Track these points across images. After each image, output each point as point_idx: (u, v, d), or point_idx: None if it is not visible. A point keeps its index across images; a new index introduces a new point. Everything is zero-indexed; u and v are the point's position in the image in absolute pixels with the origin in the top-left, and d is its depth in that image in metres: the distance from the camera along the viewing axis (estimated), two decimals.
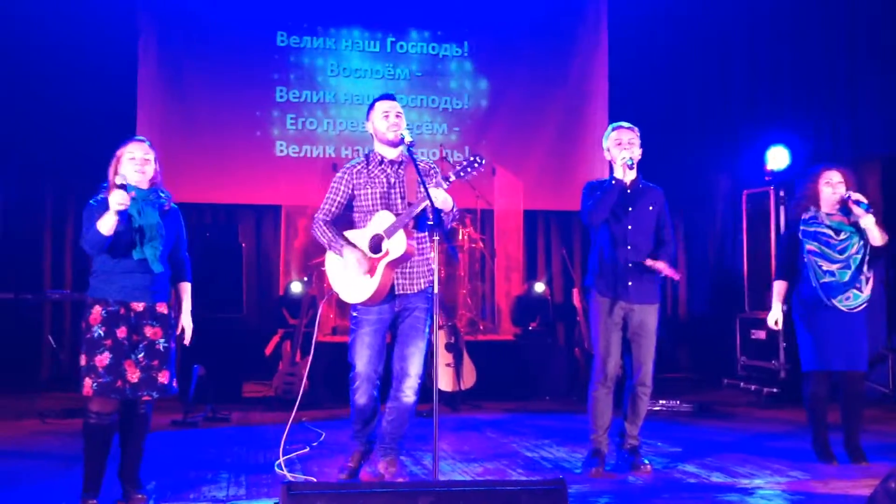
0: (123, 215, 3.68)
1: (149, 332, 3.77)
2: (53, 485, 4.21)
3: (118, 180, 3.69)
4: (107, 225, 3.65)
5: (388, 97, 4.26)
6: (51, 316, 8.04)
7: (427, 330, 4.16)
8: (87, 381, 3.68)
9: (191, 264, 4.06)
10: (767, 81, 8.71)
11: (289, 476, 4.36)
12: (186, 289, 4.04)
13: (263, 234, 8.70)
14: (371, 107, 4.25)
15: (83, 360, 3.70)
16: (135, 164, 3.79)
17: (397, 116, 4.16)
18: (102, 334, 3.70)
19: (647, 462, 4.54)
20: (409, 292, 4.12)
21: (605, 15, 9.15)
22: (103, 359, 3.67)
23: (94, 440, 3.75)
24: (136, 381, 3.71)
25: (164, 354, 3.80)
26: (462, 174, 3.99)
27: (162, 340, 3.80)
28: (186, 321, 4.01)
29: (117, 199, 3.63)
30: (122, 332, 3.71)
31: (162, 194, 3.90)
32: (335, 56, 8.77)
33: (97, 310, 3.73)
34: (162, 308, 3.84)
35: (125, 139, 3.90)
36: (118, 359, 3.69)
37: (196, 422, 6.00)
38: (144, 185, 3.83)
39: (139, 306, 3.77)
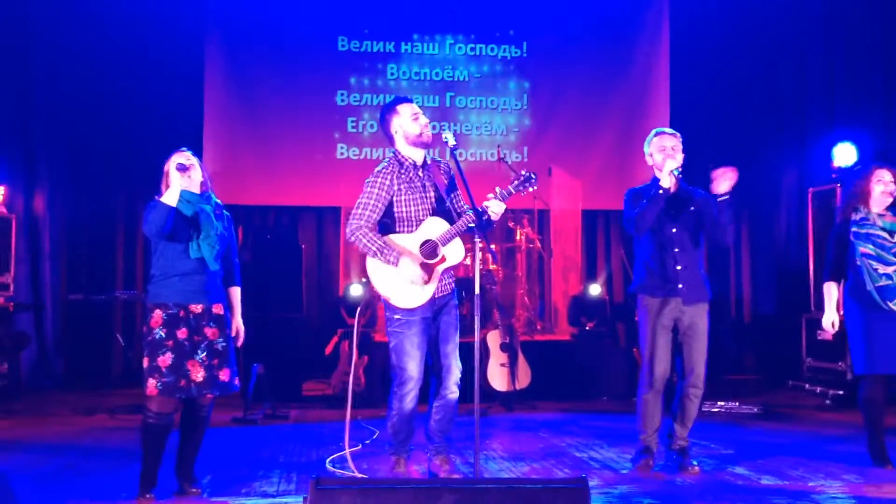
0: (178, 214, 3.85)
1: (209, 332, 3.92)
2: (115, 478, 4.40)
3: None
4: (171, 196, 3.81)
5: (408, 100, 4.27)
6: (121, 316, 8.36)
7: (459, 325, 4.25)
8: (151, 382, 3.84)
9: (240, 269, 4.21)
10: (836, 77, 8.49)
11: (339, 473, 4.47)
12: (237, 293, 4.20)
13: (324, 236, 8.87)
14: (392, 110, 4.21)
15: (146, 362, 3.86)
16: (180, 169, 3.94)
17: (425, 117, 4.24)
18: (164, 335, 3.86)
19: (695, 463, 4.51)
20: (445, 293, 4.19)
21: (667, 11, 9.03)
22: (166, 359, 3.84)
23: (152, 438, 3.92)
24: (200, 380, 3.87)
25: (224, 353, 3.96)
26: (515, 191, 4.11)
27: (220, 340, 3.96)
28: (238, 324, 4.17)
29: (177, 179, 3.80)
30: (182, 334, 3.87)
31: (214, 199, 4.05)
32: (394, 59, 8.88)
33: (158, 313, 3.89)
34: (218, 309, 3.99)
35: (173, 150, 4.06)
36: (181, 359, 3.85)
37: (255, 419, 6.18)
38: (195, 190, 3.98)
39: (197, 308, 3.92)
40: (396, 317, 4.15)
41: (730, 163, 4.50)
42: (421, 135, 4.18)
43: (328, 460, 4.74)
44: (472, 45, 8.98)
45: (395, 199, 4.17)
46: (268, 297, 7.05)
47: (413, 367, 4.13)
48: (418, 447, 4.38)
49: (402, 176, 4.19)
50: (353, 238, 4.15)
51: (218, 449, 4.94)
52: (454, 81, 8.95)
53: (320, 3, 8.76)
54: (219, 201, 4.10)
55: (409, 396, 4.16)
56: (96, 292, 7.38)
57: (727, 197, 4.39)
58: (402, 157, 4.23)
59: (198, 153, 4.07)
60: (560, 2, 9.01)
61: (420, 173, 4.23)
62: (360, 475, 4.41)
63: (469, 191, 3.96)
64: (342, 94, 8.82)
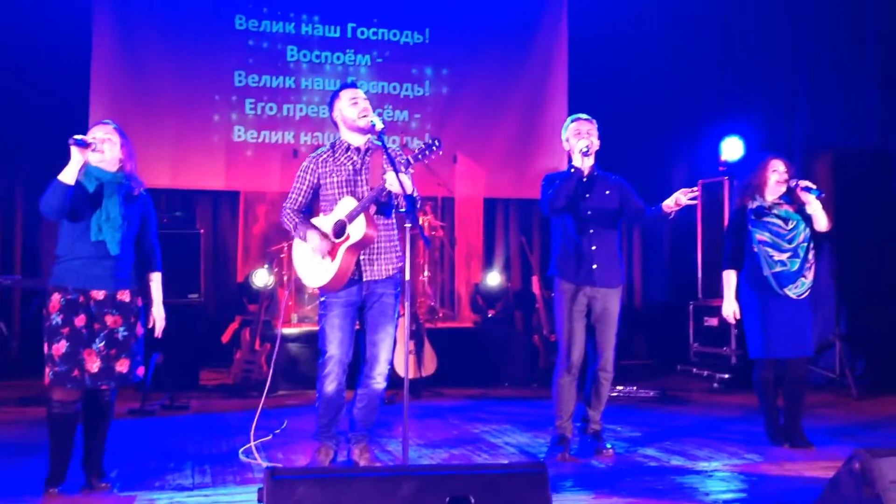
0: (82, 193, 3.62)
1: (109, 320, 3.71)
2: (14, 474, 4.14)
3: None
4: (68, 174, 3.57)
5: (352, 85, 4.29)
6: (0, 302, 7.85)
7: (395, 316, 4.18)
8: (47, 370, 3.63)
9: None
10: (723, 73, 8.85)
11: (255, 463, 4.35)
12: (157, 279, 4.01)
13: (221, 221, 8.58)
14: (335, 96, 4.25)
15: (45, 349, 3.64)
16: (94, 143, 3.72)
17: (365, 101, 4.17)
18: (60, 322, 3.64)
19: (609, 446, 4.63)
20: (376, 278, 4.13)
21: (566, 6, 9.20)
22: (60, 347, 3.62)
23: (58, 429, 3.70)
24: (95, 370, 3.66)
25: (125, 343, 3.75)
26: (420, 157, 3.99)
27: (122, 329, 3.74)
28: (158, 312, 3.98)
29: (76, 155, 3.58)
30: (80, 321, 3.65)
31: (130, 178, 3.85)
32: (295, 41, 8.68)
33: (56, 297, 3.67)
34: (123, 296, 3.78)
35: (83, 129, 3.84)
36: (76, 347, 3.63)
37: (154, 410, 5.94)
38: (109, 168, 3.77)
39: (99, 294, 3.71)
40: (322, 299, 4.17)
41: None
42: (357, 120, 4.13)
43: (241, 451, 4.61)
44: (375, 30, 8.88)
45: (321, 181, 4.20)
46: (165, 283, 6.76)
47: (333, 347, 4.09)
48: (344, 434, 4.29)
49: (331, 160, 4.19)
50: (281, 220, 4.32)
51: (119, 442, 4.70)
52: (355, 65, 8.83)
53: None
54: (136, 181, 3.89)
55: (329, 378, 4.10)
56: None
57: (670, 216, 4.50)
58: (341, 141, 4.24)
59: (83, 132, 3.80)
60: None
61: (355, 157, 4.18)
62: (276, 465, 4.31)
63: (393, 161, 3.90)
64: (240, 75, 8.55)
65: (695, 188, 4.42)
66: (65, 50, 7.91)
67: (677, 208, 4.43)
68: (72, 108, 7.70)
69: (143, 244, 3.93)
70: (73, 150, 3.60)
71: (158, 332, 3.99)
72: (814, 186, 4.73)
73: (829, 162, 7.35)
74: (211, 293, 8.12)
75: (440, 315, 8.01)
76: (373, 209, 4.07)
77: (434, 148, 3.96)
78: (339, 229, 4.08)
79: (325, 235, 4.08)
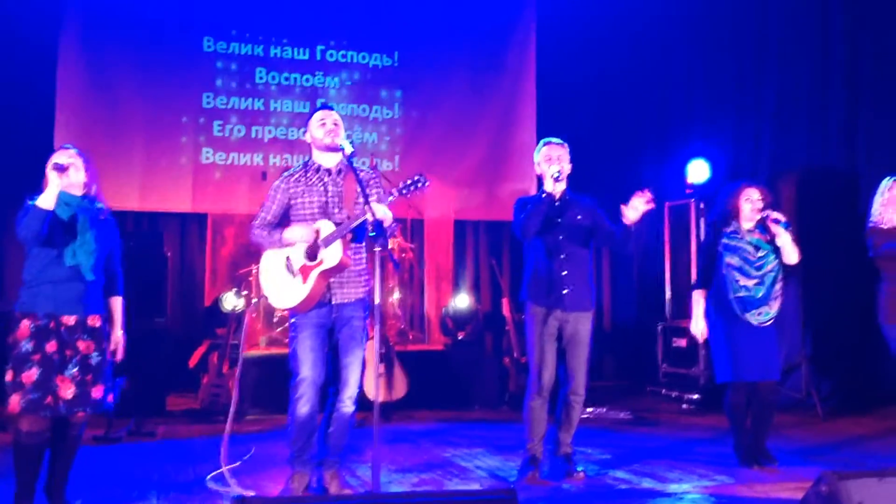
0: (54, 218, 3.58)
1: (81, 346, 3.67)
2: None
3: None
4: (47, 199, 3.54)
5: (325, 107, 4.31)
6: None
7: (365, 339, 4.16)
8: (15, 398, 3.55)
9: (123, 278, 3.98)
10: (688, 97, 8.95)
11: (222, 490, 4.28)
12: (118, 303, 3.97)
13: (188, 243, 8.50)
14: (309, 117, 4.28)
15: (9, 377, 3.57)
16: (58, 169, 3.67)
17: (334, 124, 4.18)
18: (31, 349, 3.58)
19: (580, 469, 4.63)
20: (345, 301, 4.10)
21: (534, 27, 9.29)
22: (31, 374, 3.55)
23: (25, 460, 3.63)
24: (69, 397, 3.61)
25: (98, 369, 3.71)
26: (405, 192, 3.99)
27: (95, 354, 3.71)
28: (119, 336, 3.93)
29: (54, 180, 3.53)
30: (51, 347, 3.60)
31: (97, 204, 3.81)
32: (264, 63, 8.66)
33: (25, 324, 3.61)
34: (94, 321, 3.74)
35: (49, 150, 3.80)
36: (48, 374, 3.58)
37: (119, 437, 5.83)
38: (76, 192, 3.72)
39: (70, 320, 3.66)
40: (292, 321, 4.13)
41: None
42: (323, 138, 4.13)
43: (208, 478, 4.53)
44: (344, 52, 8.90)
45: (292, 201, 4.18)
46: (130, 306, 6.65)
47: (306, 369, 4.04)
48: (314, 459, 4.23)
49: (304, 180, 4.17)
50: (251, 238, 4.25)
51: (84, 470, 4.59)
52: (324, 88, 8.83)
53: (184, 1, 8.42)
54: (102, 205, 3.85)
55: (303, 401, 4.04)
56: None
57: (632, 226, 4.48)
58: (312, 161, 4.24)
59: (48, 156, 3.77)
60: (431, 13, 9.07)
61: (326, 178, 4.17)
62: (245, 493, 4.24)
63: (365, 193, 3.90)
64: (208, 97, 8.51)
65: (647, 190, 4.42)
66: (29, 71, 7.82)
67: (637, 216, 4.42)
68: (36, 131, 7.61)
69: (109, 268, 3.89)
70: (53, 175, 3.58)
71: (119, 356, 3.93)
72: (783, 219, 4.79)
73: (794, 183, 7.46)
74: (178, 316, 8.03)
75: (410, 337, 7.98)
76: (349, 236, 4.06)
77: (420, 185, 3.96)
78: (313, 252, 4.05)
79: (302, 266, 4.03)
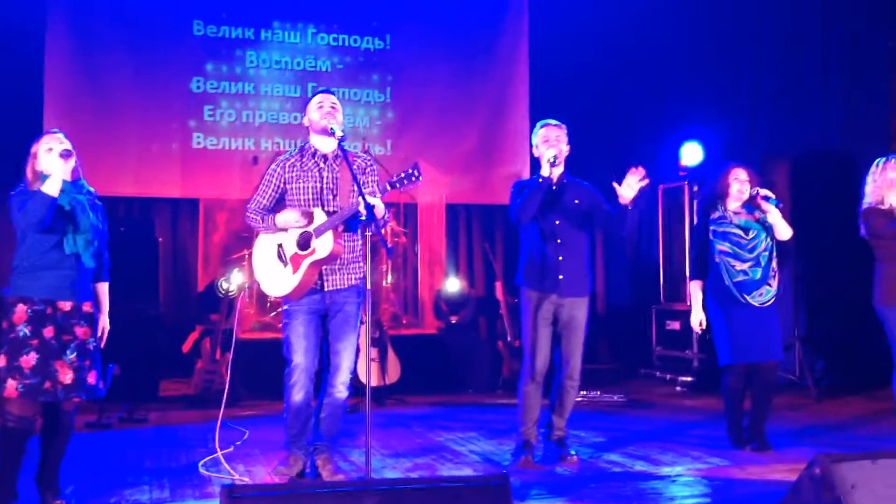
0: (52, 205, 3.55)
1: (79, 331, 3.66)
2: None
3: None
4: (53, 186, 3.53)
5: (325, 91, 4.27)
6: None
7: (358, 325, 4.14)
8: (11, 383, 3.53)
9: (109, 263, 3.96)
10: (683, 79, 8.92)
11: (215, 476, 4.27)
12: (104, 289, 3.94)
13: (180, 229, 8.44)
14: (308, 100, 4.24)
15: (3, 361, 3.54)
16: (53, 155, 3.64)
17: (332, 107, 4.14)
18: (28, 334, 3.56)
19: (573, 453, 4.63)
20: (338, 287, 4.09)
21: (527, 14, 9.21)
22: (30, 359, 3.54)
23: (12, 444, 3.60)
24: (68, 382, 3.60)
25: (94, 354, 3.71)
26: (398, 185, 3.95)
27: (91, 340, 3.71)
28: (105, 322, 3.90)
29: (60, 167, 3.52)
30: (49, 332, 3.58)
31: (87, 189, 3.78)
32: (254, 46, 8.59)
33: (21, 308, 3.58)
34: (88, 307, 3.74)
35: (37, 135, 3.77)
36: (47, 359, 3.56)
37: (111, 423, 5.81)
38: (68, 178, 3.69)
39: (66, 305, 3.65)
40: (285, 307, 4.12)
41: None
42: (319, 121, 4.09)
43: (201, 464, 4.52)
44: (335, 36, 8.82)
45: (287, 186, 4.14)
46: (122, 292, 6.61)
47: (299, 357, 4.04)
48: (309, 444, 4.23)
49: (300, 164, 4.14)
50: (247, 222, 4.24)
51: (76, 456, 4.57)
52: (316, 72, 8.75)
53: None
54: (92, 190, 3.82)
55: (297, 387, 4.04)
56: None
57: (629, 205, 4.43)
58: (308, 145, 4.20)
59: (38, 140, 3.74)
60: None
61: (322, 164, 4.13)
62: (238, 478, 4.23)
63: (359, 184, 3.86)
64: (198, 81, 8.43)
65: (640, 167, 4.37)
66: (17, 55, 7.72)
67: (633, 194, 4.38)
68: (25, 116, 7.52)
69: (99, 255, 3.85)
70: (60, 162, 3.57)
71: (103, 342, 3.90)
72: (773, 196, 4.77)
73: (789, 166, 7.44)
74: (171, 302, 8.00)
75: (404, 322, 7.97)
76: (341, 226, 4.03)
77: (414, 178, 3.90)
78: (305, 241, 4.02)
79: (293, 255, 4.02)
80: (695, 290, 4.97)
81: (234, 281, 7.12)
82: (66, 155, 3.60)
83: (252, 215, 4.16)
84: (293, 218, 4.03)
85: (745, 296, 4.75)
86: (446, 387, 7.28)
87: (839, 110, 7.30)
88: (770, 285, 4.79)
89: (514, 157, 8.96)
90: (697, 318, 4.93)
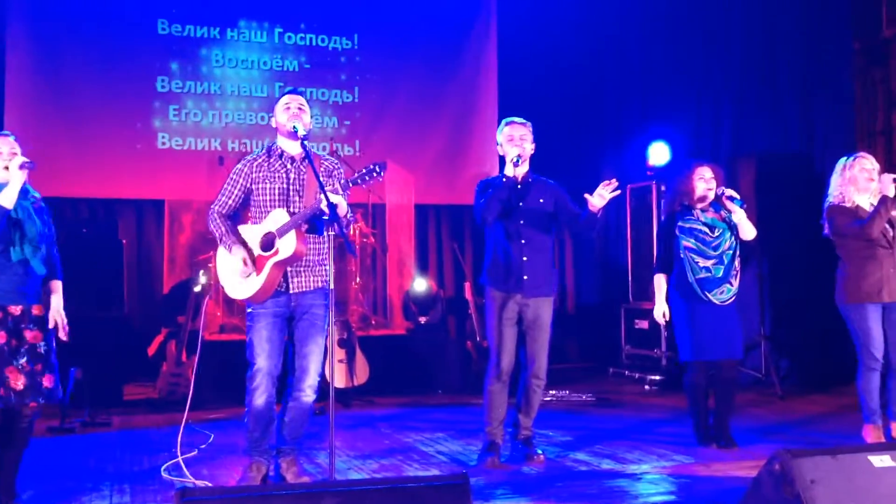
0: None
1: (29, 335, 3.61)
2: None
3: None
4: (9, 198, 3.48)
5: (293, 91, 4.21)
6: None
7: (326, 327, 4.09)
8: None
9: (61, 262, 3.89)
10: (650, 80, 8.97)
11: (178, 481, 4.21)
12: (58, 287, 3.86)
13: (145, 230, 8.35)
14: (276, 101, 4.19)
15: None
16: (1, 159, 3.58)
17: (299, 108, 4.08)
18: None
19: (540, 452, 4.62)
20: (304, 289, 4.04)
21: (495, 16, 9.23)
22: None
23: None
24: (21, 388, 3.54)
25: (47, 358, 3.65)
26: (360, 181, 3.96)
27: (42, 343, 3.65)
28: (60, 316, 3.80)
29: (18, 177, 3.43)
30: (0, 338, 3.50)
31: (32, 192, 3.71)
32: (220, 46, 8.51)
33: None
34: (38, 310, 3.69)
35: None
36: None
37: (73, 427, 5.71)
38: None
39: (16, 310, 3.59)
40: (249, 310, 4.06)
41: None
42: (286, 123, 4.04)
43: (163, 468, 4.46)
44: (302, 35, 8.77)
45: (253, 186, 4.08)
46: (85, 295, 6.53)
47: (262, 361, 3.98)
48: (273, 448, 4.18)
49: (266, 165, 4.08)
50: (208, 222, 4.16)
51: (36, 461, 4.51)
52: (283, 71, 8.70)
53: None
54: (36, 194, 3.76)
55: (259, 391, 3.98)
56: None
57: (598, 213, 4.42)
58: (276, 146, 4.14)
59: None
60: None
61: (289, 165, 4.08)
62: (200, 483, 4.18)
63: (320, 182, 3.82)
64: (163, 81, 8.34)
65: (613, 179, 4.39)
66: None
67: (603, 203, 4.40)
68: None
69: (48, 255, 3.79)
70: (20, 172, 3.51)
71: (64, 335, 3.80)
72: (737, 196, 4.80)
73: (753, 166, 7.50)
74: (136, 305, 7.89)
75: (373, 322, 7.93)
76: (304, 226, 3.99)
77: (375, 174, 3.92)
78: (268, 242, 3.98)
79: (251, 253, 3.97)
80: (659, 283, 4.98)
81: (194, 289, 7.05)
82: (30, 166, 3.54)
83: (216, 219, 4.07)
84: (240, 264, 3.94)
85: (707, 293, 4.78)
86: (415, 387, 7.24)
87: (805, 111, 7.37)
88: (731, 284, 4.82)
89: (483, 157, 8.97)
90: (660, 310, 4.95)
